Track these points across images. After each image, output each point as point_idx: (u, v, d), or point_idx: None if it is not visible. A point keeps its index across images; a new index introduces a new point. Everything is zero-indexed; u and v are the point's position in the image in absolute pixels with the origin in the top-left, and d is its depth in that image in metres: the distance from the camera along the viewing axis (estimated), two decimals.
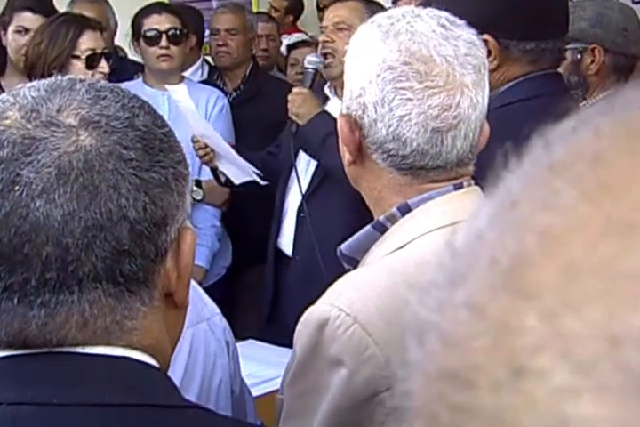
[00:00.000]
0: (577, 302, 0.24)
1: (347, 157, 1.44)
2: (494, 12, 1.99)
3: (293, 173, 3.23)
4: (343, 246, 1.48)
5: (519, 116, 1.91)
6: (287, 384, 1.34)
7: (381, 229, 1.42)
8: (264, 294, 3.41)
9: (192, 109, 3.26)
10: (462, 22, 1.41)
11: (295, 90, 3.14)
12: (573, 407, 0.23)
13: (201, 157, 3.32)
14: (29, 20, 3.53)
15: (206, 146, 3.29)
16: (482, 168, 1.41)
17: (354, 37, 1.44)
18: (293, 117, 3.11)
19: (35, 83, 0.94)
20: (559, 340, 0.24)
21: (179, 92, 3.26)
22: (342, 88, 3.28)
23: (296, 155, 3.14)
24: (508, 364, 0.25)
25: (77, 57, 3.07)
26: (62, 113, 0.89)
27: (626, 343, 0.23)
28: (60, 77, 0.95)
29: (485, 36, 2.04)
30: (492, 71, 2.07)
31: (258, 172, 3.30)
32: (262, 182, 3.32)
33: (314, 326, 1.28)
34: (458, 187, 1.40)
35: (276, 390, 2.37)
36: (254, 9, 6.66)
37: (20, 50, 3.48)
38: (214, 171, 3.42)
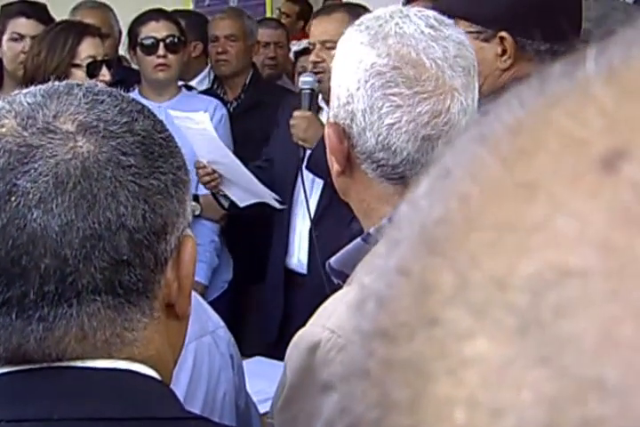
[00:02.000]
0: (479, 255, 0.27)
1: (335, 167, 1.39)
2: (513, 11, 1.98)
3: (297, 191, 3.20)
4: (332, 260, 1.43)
5: None
6: (278, 409, 1.30)
7: (371, 241, 1.36)
8: (271, 314, 3.37)
9: (213, 137, 3.20)
10: (450, 21, 1.38)
11: (297, 114, 3.08)
12: (470, 348, 0.26)
13: (206, 183, 3.26)
14: (24, 25, 3.51)
15: (214, 171, 3.24)
16: None
17: (340, 41, 1.41)
18: (300, 142, 3.05)
19: (31, 89, 0.93)
20: (464, 291, 0.27)
21: (196, 120, 3.19)
22: None
23: (302, 176, 3.11)
24: (423, 317, 0.28)
25: (78, 65, 3.03)
26: (59, 119, 0.88)
27: (512, 287, 0.26)
28: (57, 83, 0.94)
29: (503, 33, 2.02)
30: (504, 70, 2.05)
31: (275, 196, 3.25)
32: (279, 206, 3.26)
33: (305, 350, 1.25)
34: None
35: None
36: (268, 14, 6.64)
37: (16, 58, 3.45)
38: (215, 196, 3.36)
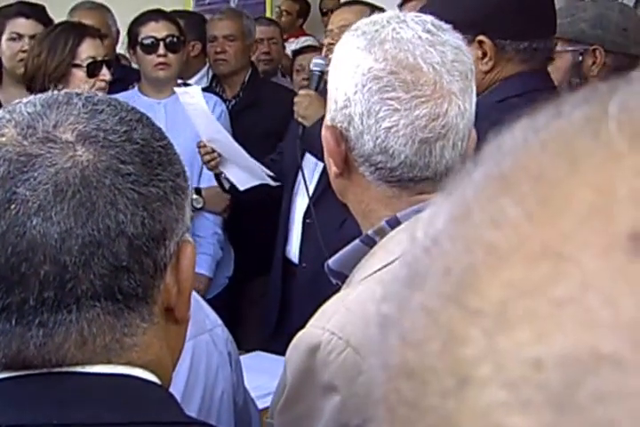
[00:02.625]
0: (511, 321, 0.27)
1: (333, 169, 1.40)
2: (488, 13, 1.99)
3: (299, 179, 3.23)
4: (331, 261, 1.44)
5: (522, 107, 1.94)
6: (279, 410, 1.30)
7: (370, 243, 1.38)
8: (270, 304, 3.38)
9: (205, 111, 3.25)
10: (448, 26, 1.38)
11: (302, 92, 3.15)
12: (504, 418, 0.27)
13: (207, 162, 3.32)
14: (22, 25, 3.52)
15: (213, 151, 3.28)
16: None
17: (338, 46, 1.41)
18: (300, 120, 3.09)
19: (31, 98, 0.93)
20: (495, 356, 0.27)
21: (191, 93, 3.25)
22: None
23: (302, 157, 3.15)
24: (455, 372, 0.28)
25: (78, 66, 3.04)
26: (59, 128, 0.88)
27: (547, 366, 0.26)
28: (56, 92, 0.94)
29: (481, 37, 2.03)
30: (486, 72, 2.06)
31: (269, 172, 3.29)
32: (273, 183, 3.30)
33: (305, 351, 1.24)
34: None
35: None
36: (268, 13, 6.65)
37: (14, 57, 3.47)
38: (217, 177, 3.41)
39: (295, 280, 3.24)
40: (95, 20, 4.06)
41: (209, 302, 1.64)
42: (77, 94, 0.93)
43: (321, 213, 3.01)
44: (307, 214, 3.15)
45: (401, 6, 3.59)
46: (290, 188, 3.28)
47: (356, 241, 1.40)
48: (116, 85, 3.32)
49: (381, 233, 1.36)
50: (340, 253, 1.42)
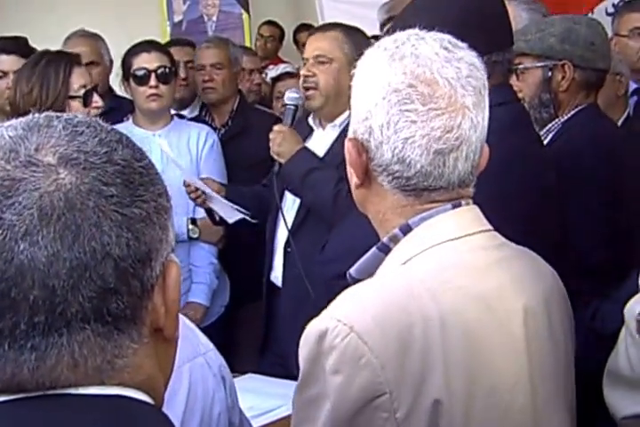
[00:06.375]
0: None
1: (354, 180, 1.48)
2: (447, 32, 2.01)
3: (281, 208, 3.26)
4: (352, 270, 1.52)
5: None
6: (294, 395, 1.39)
7: (386, 250, 1.46)
8: (261, 326, 3.42)
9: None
10: (464, 44, 1.46)
11: (275, 128, 3.15)
12: None
13: (194, 200, 3.33)
14: (6, 62, 3.53)
15: (197, 189, 3.30)
16: None
17: (360, 61, 1.49)
18: (275, 157, 3.13)
19: (12, 122, 0.94)
20: None
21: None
22: (325, 119, 3.28)
23: (282, 192, 3.16)
24: None
25: (73, 97, 3.05)
26: (41, 152, 0.89)
27: None
28: (37, 115, 0.95)
29: None
30: None
31: (246, 212, 3.31)
32: (253, 221, 3.34)
33: (314, 338, 1.33)
34: (456, 205, 1.44)
35: (276, 421, 2.38)
36: (246, 38, 6.71)
37: (2, 94, 3.47)
38: (208, 211, 3.43)
39: (278, 303, 3.26)
40: (89, 47, 4.09)
41: (205, 329, 1.66)
42: (57, 117, 0.94)
43: (300, 243, 3.04)
44: (287, 244, 3.18)
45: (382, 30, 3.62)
46: (273, 216, 3.31)
47: (373, 249, 1.49)
48: (111, 115, 3.32)
49: (395, 240, 1.45)
50: (360, 262, 1.51)
